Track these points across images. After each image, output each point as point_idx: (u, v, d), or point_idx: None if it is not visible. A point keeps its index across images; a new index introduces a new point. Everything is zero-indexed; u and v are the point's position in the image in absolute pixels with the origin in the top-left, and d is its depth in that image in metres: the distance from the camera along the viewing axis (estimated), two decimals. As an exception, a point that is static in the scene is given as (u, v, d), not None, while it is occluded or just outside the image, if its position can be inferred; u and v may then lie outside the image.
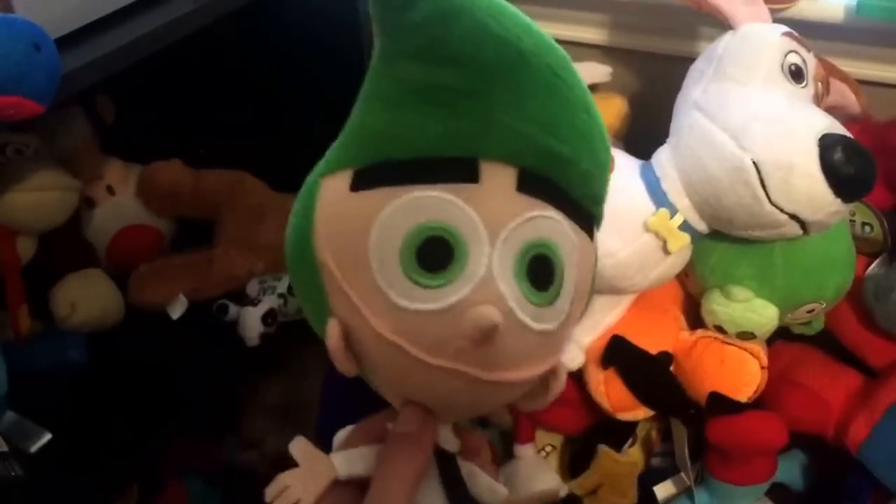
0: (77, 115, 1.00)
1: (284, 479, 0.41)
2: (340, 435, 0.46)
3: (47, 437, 0.84)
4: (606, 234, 0.78)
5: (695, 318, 0.90)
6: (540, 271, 0.38)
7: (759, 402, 0.86)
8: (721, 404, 0.84)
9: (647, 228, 0.78)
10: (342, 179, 0.38)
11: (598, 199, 0.43)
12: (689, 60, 0.83)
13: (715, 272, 0.84)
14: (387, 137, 0.38)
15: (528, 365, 0.38)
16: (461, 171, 0.37)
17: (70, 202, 0.93)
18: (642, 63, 1.11)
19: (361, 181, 0.38)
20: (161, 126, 1.11)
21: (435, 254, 0.36)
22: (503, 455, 1.02)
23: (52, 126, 0.97)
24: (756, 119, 0.72)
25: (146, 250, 1.05)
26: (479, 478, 0.46)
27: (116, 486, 0.98)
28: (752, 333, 0.82)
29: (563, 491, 0.93)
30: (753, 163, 0.71)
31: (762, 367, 0.84)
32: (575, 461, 0.97)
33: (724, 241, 0.82)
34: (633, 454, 0.99)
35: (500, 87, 0.36)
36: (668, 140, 0.81)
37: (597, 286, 0.83)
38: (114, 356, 1.01)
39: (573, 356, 0.87)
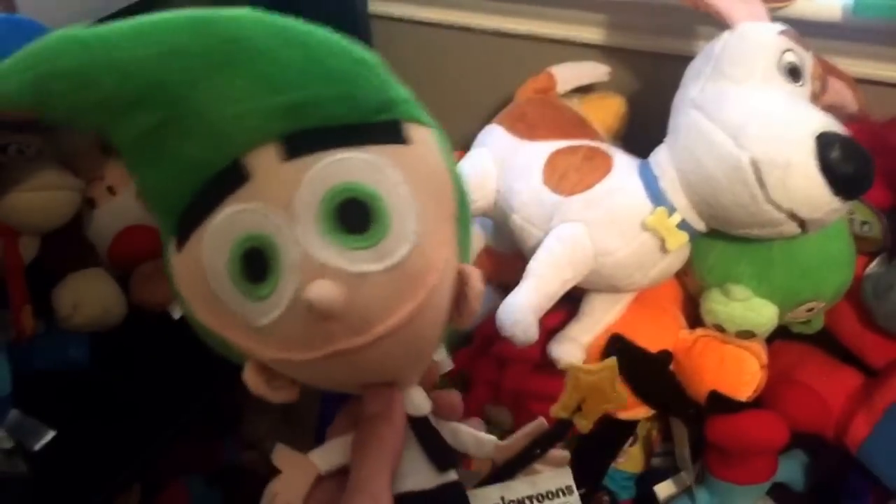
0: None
1: (272, 488, 0.42)
2: (329, 430, 0.46)
3: (51, 434, 0.84)
4: (605, 233, 0.80)
5: (694, 317, 0.90)
6: (351, 215, 0.36)
7: (759, 401, 0.86)
8: (721, 403, 0.84)
9: (645, 227, 0.79)
10: (171, 248, 0.39)
11: (387, 102, 0.38)
12: (687, 59, 0.83)
13: (714, 271, 0.84)
14: (163, 197, 0.37)
15: (398, 304, 0.37)
16: (230, 179, 0.36)
17: (72, 202, 0.93)
18: (641, 62, 1.12)
19: (181, 241, 0.37)
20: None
21: (254, 264, 0.36)
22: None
23: (55, 126, 0.97)
24: (754, 118, 0.72)
25: (147, 250, 1.05)
26: (462, 434, 0.46)
27: (118, 485, 0.98)
28: (751, 332, 0.82)
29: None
30: (751, 161, 0.71)
31: (762, 366, 0.84)
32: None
33: (723, 239, 0.82)
34: (634, 453, 0.99)
35: (191, 91, 0.35)
36: (665, 139, 0.82)
37: (596, 284, 0.85)
38: (116, 356, 1.01)
39: (573, 355, 0.87)
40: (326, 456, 0.43)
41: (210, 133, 0.35)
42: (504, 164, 0.93)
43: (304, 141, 0.36)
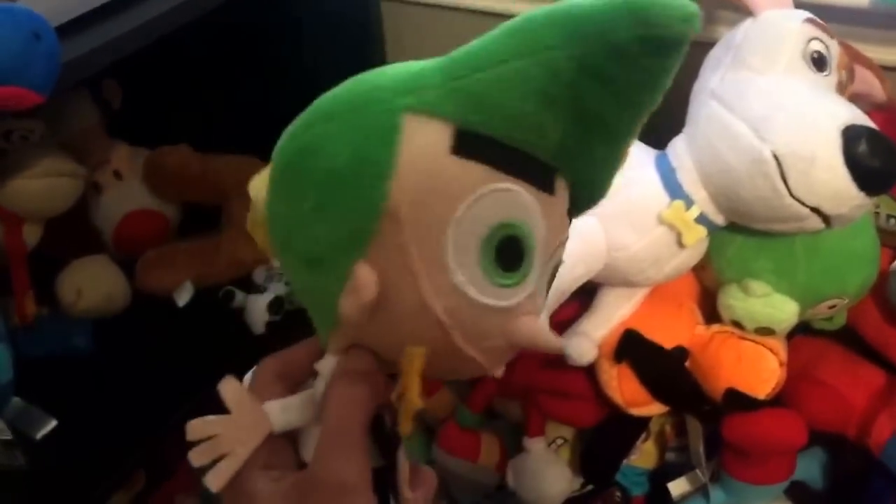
0: (83, 99, 0.99)
1: (213, 424, 0.38)
2: (247, 378, 0.42)
3: (53, 423, 0.84)
4: (619, 227, 0.77)
5: (711, 312, 0.87)
6: (512, 251, 0.36)
7: (778, 399, 0.83)
8: (738, 401, 0.81)
9: (661, 221, 0.76)
10: (437, 131, 0.35)
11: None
12: (705, 46, 0.80)
13: (732, 265, 0.82)
14: (512, 118, 0.34)
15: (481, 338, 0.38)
16: (546, 178, 0.36)
17: (76, 188, 0.92)
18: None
19: (465, 146, 0.34)
20: (169, 110, 1.10)
21: (512, 253, 0.35)
22: (513, 449, 1.00)
23: (59, 111, 0.96)
24: (776, 109, 0.69)
25: (152, 236, 1.04)
26: None
27: (122, 473, 0.97)
28: (770, 329, 0.80)
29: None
30: (773, 155, 0.68)
31: (781, 364, 0.82)
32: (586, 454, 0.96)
33: (742, 233, 0.79)
34: (647, 448, 0.97)
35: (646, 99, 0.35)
36: (684, 129, 0.79)
37: (610, 279, 0.83)
38: (120, 342, 1.00)
39: (585, 350, 0.85)
40: (284, 414, 0.40)
41: (576, 149, 0.36)
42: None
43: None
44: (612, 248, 0.78)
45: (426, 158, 0.34)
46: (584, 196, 0.39)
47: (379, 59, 1.09)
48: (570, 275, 0.77)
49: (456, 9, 1.18)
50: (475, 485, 1.03)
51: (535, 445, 0.96)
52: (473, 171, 0.34)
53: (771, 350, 0.81)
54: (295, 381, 0.42)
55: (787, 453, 0.87)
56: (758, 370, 0.81)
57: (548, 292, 0.40)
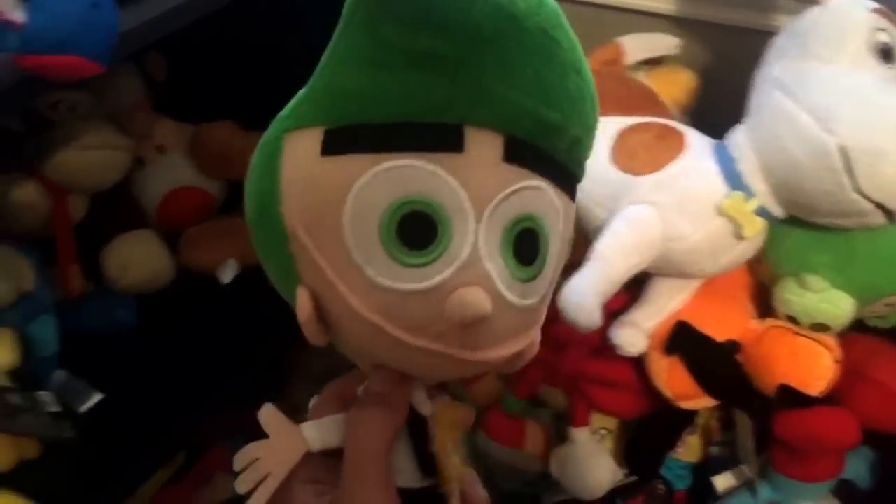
0: (129, 73, 0.98)
1: (254, 450, 0.39)
2: (313, 402, 0.44)
3: (98, 397, 0.84)
4: (676, 217, 0.76)
5: (764, 306, 0.86)
6: (526, 245, 0.36)
7: (830, 397, 0.82)
8: (791, 397, 0.80)
9: (719, 212, 0.75)
10: (310, 139, 0.35)
11: (583, 161, 0.40)
12: (765, 34, 0.79)
13: (790, 259, 0.80)
14: (364, 98, 0.34)
15: (511, 341, 0.37)
16: (445, 138, 0.34)
17: (122, 161, 0.92)
18: (713, 35, 1.07)
19: (334, 144, 0.34)
20: (214, 85, 1.09)
21: (417, 230, 0.34)
22: (557, 437, 0.99)
23: (105, 83, 0.95)
24: (843, 101, 0.68)
25: (197, 212, 1.03)
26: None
27: (164, 449, 0.97)
28: (826, 325, 0.79)
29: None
30: (839, 147, 0.67)
31: (836, 361, 0.80)
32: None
33: (801, 226, 0.77)
34: (692, 442, 0.96)
35: (491, 53, 0.33)
36: (745, 119, 0.77)
37: (663, 270, 0.81)
38: (163, 318, 1.00)
39: (635, 341, 0.84)
40: (320, 433, 0.40)
41: (472, 89, 0.33)
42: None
43: (524, 153, 0.35)
44: (668, 238, 0.77)
45: (301, 170, 0.35)
46: (546, 128, 0.36)
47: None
48: (624, 264, 0.76)
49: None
50: (518, 472, 1.02)
51: (581, 435, 0.94)
52: (348, 164, 0.34)
53: (826, 347, 0.80)
54: (349, 403, 0.42)
55: (837, 451, 0.85)
56: (812, 367, 0.80)
57: (534, 250, 0.36)
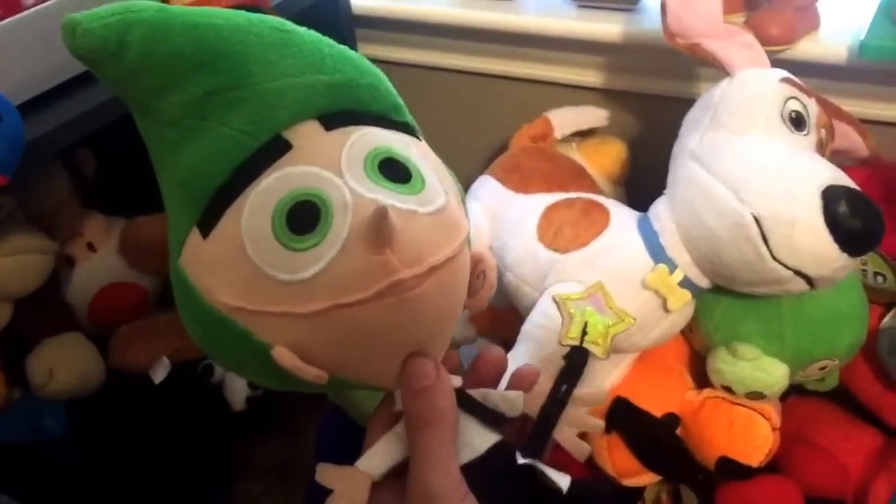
0: (55, 172, 0.97)
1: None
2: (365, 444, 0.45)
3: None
4: (603, 294, 0.75)
5: (702, 375, 0.85)
6: (393, 169, 0.39)
7: (773, 464, 0.81)
8: (731, 470, 0.79)
9: (645, 286, 0.74)
10: (193, 241, 0.39)
11: (398, 106, 0.44)
12: (689, 102, 0.80)
13: (720, 329, 0.80)
14: (199, 176, 0.38)
15: (443, 243, 0.39)
16: (273, 150, 0.38)
17: (47, 265, 0.89)
18: (641, 105, 1.08)
19: (206, 225, 0.38)
20: (144, 178, 1.08)
21: (302, 218, 0.37)
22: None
23: (30, 182, 0.94)
24: (756, 171, 0.68)
25: (130, 308, 1.01)
26: (491, 396, 0.44)
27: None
28: (761, 393, 0.78)
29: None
30: (754, 217, 0.67)
31: (774, 429, 0.79)
32: None
33: (729, 296, 0.77)
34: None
35: (248, 64, 0.38)
36: (665, 191, 0.77)
37: (595, 346, 0.80)
38: (95, 424, 0.97)
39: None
40: (373, 462, 0.42)
41: (258, 104, 0.38)
42: (497, 219, 0.89)
43: (340, 118, 0.40)
44: (595, 314, 0.76)
45: (200, 262, 0.39)
46: (337, 90, 0.40)
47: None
48: (555, 343, 0.75)
49: (440, 69, 1.18)
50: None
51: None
52: (224, 225, 0.38)
53: (763, 415, 0.79)
54: (394, 421, 0.43)
55: (784, 521, 0.84)
56: (750, 437, 0.79)
57: (402, 169, 0.39)
